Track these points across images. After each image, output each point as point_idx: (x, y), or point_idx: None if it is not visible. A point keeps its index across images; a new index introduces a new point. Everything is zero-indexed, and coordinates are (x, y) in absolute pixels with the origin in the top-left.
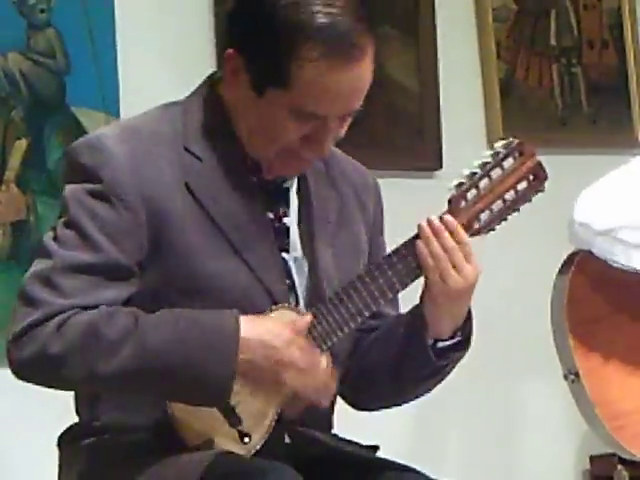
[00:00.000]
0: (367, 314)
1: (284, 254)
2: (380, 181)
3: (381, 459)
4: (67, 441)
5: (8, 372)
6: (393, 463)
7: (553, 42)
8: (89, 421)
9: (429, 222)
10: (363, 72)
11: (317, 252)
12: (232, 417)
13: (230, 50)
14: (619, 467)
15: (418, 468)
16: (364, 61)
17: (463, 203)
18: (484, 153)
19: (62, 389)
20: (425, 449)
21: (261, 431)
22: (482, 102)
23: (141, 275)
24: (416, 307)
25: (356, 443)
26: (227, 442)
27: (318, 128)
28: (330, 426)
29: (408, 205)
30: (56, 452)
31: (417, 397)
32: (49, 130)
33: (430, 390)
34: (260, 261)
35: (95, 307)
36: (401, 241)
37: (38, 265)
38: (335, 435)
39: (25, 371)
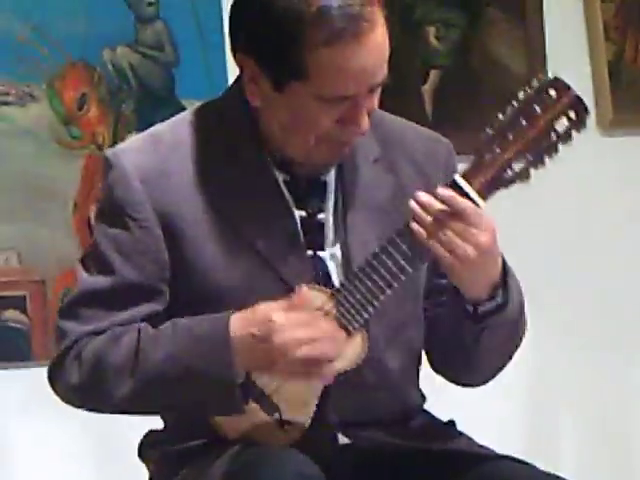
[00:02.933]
0: (389, 292)
1: (320, 252)
2: None
3: (458, 450)
4: (143, 450)
5: None
6: (472, 453)
7: None
8: (159, 428)
9: (417, 200)
10: (378, 42)
11: (352, 247)
12: (268, 406)
13: (241, 55)
14: None
15: (531, 460)
16: (375, 31)
17: (490, 154)
18: (518, 96)
19: (100, 413)
20: (538, 439)
21: (303, 416)
22: (591, 84)
23: (171, 290)
24: None
25: (432, 419)
26: (268, 432)
27: (350, 108)
28: (409, 412)
29: (520, 186)
30: None
31: (484, 369)
32: (159, 122)
33: (493, 360)
34: (285, 263)
35: None
36: (502, 227)
37: (68, 296)
38: (424, 411)
39: (64, 400)
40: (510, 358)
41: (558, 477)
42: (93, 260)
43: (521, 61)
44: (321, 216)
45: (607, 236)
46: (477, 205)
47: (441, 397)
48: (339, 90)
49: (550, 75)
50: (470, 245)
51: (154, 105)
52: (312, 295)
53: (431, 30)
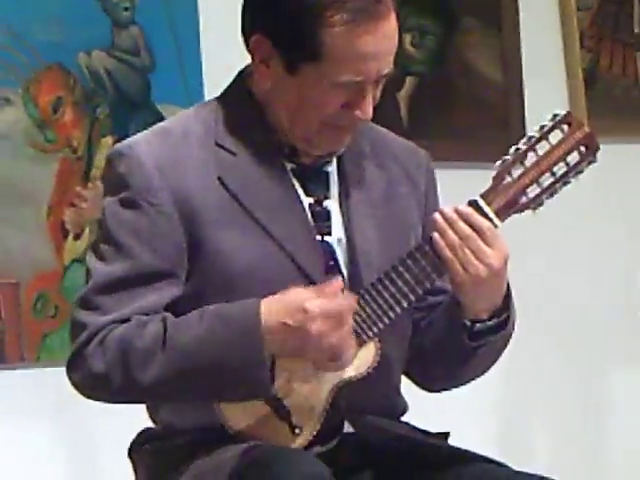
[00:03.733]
0: (405, 304)
1: (327, 237)
2: (463, 173)
3: (454, 448)
4: (135, 448)
5: None
6: (467, 452)
7: (637, 30)
8: (153, 426)
9: (442, 213)
10: (391, 30)
11: (355, 233)
12: (280, 409)
13: (256, 36)
14: None
15: (504, 460)
16: (390, 18)
17: (508, 179)
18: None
19: (121, 403)
20: (510, 440)
21: (312, 421)
22: (566, 92)
23: (185, 277)
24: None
25: (426, 431)
26: (278, 436)
27: (356, 94)
28: (398, 413)
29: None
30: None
31: (467, 380)
32: (134, 127)
33: (478, 372)
34: (299, 247)
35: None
36: None
37: (83, 289)
38: (405, 423)
39: (82, 392)
40: (486, 371)
41: (533, 475)
42: (109, 248)
43: (497, 69)
44: (326, 203)
45: (584, 243)
46: (495, 225)
47: (417, 401)
48: (350, 73)
49: (564, 111)
50: (483, 264)
51: (129, 110)
52: None
53: (407, 37)
